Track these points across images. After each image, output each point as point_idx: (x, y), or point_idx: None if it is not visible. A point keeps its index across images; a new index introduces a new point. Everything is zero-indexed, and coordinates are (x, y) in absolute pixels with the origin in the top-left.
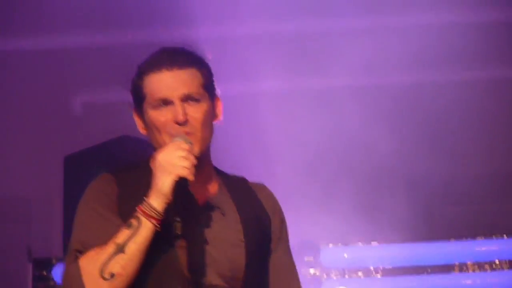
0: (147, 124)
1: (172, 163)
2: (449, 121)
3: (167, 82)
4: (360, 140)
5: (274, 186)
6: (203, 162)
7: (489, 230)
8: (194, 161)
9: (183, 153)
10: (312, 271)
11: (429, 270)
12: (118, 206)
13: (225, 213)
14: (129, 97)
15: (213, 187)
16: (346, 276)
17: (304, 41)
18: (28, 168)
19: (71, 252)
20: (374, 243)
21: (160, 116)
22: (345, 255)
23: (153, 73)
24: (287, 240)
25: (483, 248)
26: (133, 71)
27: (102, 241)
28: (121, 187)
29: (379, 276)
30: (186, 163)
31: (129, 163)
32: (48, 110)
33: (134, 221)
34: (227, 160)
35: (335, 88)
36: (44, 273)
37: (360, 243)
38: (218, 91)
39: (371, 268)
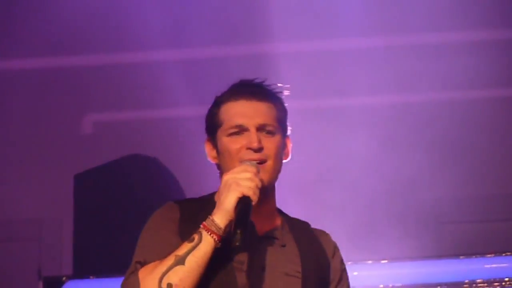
0: (220, 152)
1: (237, 181)
2: (461, 139)
3: (245, 111)
4: (369, 157)
5: (286, 201)
6: (268, 195)
7: (499, 248)
8: (259, 184)
9: (249, 175)
10: None
11: None
12: (179, 229)
13: (285, 245)
14: (138, 116)
15: (275, 222)
16: None
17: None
18: (38, 186)
19: (132, 264)
20: (384, 261)
21: (235, 143)
22: (355, 273)
23: (231, 102)
24: (348, 286)
25: (493, 266)
26: (143, 90)
27: (163, 257)
28: (183, 213)
29: None
30: (251, 184)
31: (195, 198)
32: (58, 128)
33: (196, 236)
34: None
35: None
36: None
37: (370, 261)
38: (289, 130)
39: (381, 286)
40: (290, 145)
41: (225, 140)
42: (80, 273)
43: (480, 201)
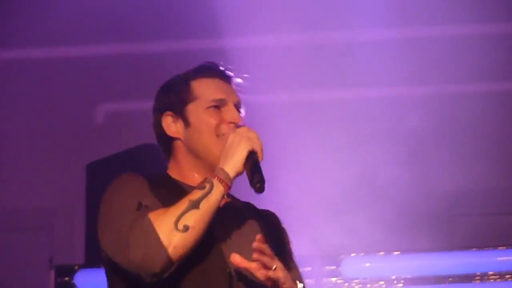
0: (193, 125)
1: (248, 137)
2: (471, 131)
3: (224, 87)
4: (379, 149)
5: (298, 195)
6: None
7: (511, 240)
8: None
9: (256, 135)
10: (333, 280)
11: (450, 280)
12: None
13: (243, 215)
14: (150, 106)
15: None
16: (368, 286)
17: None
18: (50, 176)
19: (127, 212)
20: (396, 253)
21: (215, 117)
22: (367, 264)
23: (206, 78)
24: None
25: (505, 258)
26: (156, 80)
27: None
28: (150, 183)
29: (400, 285)
30: (259, 142)
31: (147, 174)
32: (70, 118)
33: (206, 184)
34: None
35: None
36: (66, 279)
37: (382, 253)
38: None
39: (393, 277)
40: None
41: (203, 114)
42: (92, 262)
43: (492, 194)
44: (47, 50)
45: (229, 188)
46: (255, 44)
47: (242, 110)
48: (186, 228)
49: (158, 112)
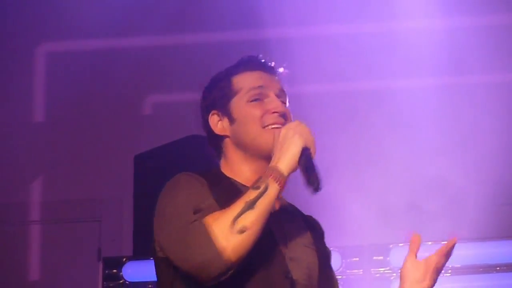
0: (238, 120)
1: (301, 132)
2: None
3: (264, 78)
4: (425, 138)
5: (347, 186)
6: None
7: None
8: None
9: (308, 129)
10: (381, 270)
11: (498, 269)
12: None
13: (294, 219)
14: (198, 97)
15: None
16: None
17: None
18: (99, 168)
19: (185, 215)
20: (443, 242)
21: (258, 108)
22: None
23: (246, 72)
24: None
25: None
26: (204, 71)
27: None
28: (208, 182)
29: (448, 275)
30: (312, 137)
31: (199, 171)
32: (118, 109)
33: (261, 184)
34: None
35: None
36: (115, 271)
37: (430, 242)
38: None
39: None
40: None
41: (246, 106)
42: (139, 254)
43: None
44: (96, 41)
45: (284, 187)
46: (314, 33)
47: (287, 101)
48: (243, 230)
49: (205, 111)
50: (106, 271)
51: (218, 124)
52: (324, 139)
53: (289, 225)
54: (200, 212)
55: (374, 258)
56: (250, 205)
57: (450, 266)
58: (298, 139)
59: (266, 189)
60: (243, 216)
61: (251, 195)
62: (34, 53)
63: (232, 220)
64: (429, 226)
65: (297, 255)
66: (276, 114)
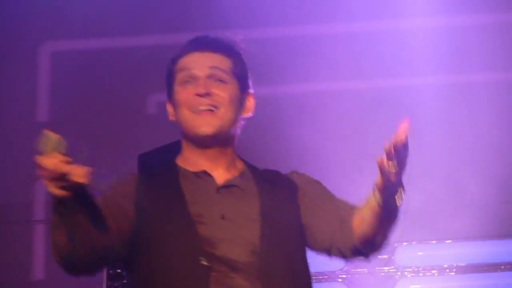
0: (174, 105)
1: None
2: None
3: (197, 60)
4: (435, 135)
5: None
6: (224, 144)
7: None
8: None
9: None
10: (386, 269)
11: (503, 267)
12: (135, 201)
13: (244, 190)
14: None
15: (235, 172)
16: (420, 274)
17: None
18: (102, 166)
19: None
20: (448, 241)
21: (184, 91)
22: (420, 253)
23: (184, 56)
24: (316, 187)
25: None
26: None
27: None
28: (141, 184)
29: (453, 274)
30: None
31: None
32: (123, 109)
33: None
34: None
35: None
36: (119, 271)
37: (434, 241)
38: (252, 89)
39: (445, 265)
40: (251, 101)
41: (176, 91)
42: None
43: None
44: (101, 40)
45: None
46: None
47: (227, 76)
48: None
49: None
50: (110, 271)
51: (169, 110)
52: (332, 137)
53: (229, 202)
54: None
55: (379, 257)
56: None
57: (455, 265)
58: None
59: None
60: None
61: None
62: (38, 52)
63: None
64: (433, 224)
65: (233, 233)
66: (197, 96)
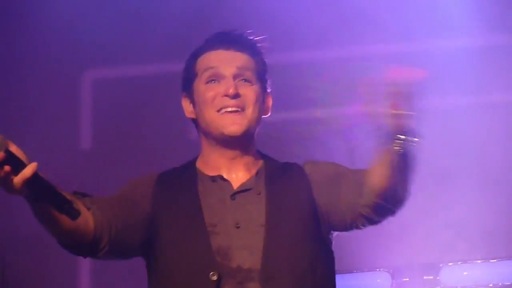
0: (196, 103)
1: None
2: None
3: (222, 58)
4: (477, 154)
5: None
6: (246, 145)
7: None
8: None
9: None
10: None
11: None
12: (151, 201)
13: (260, 193)
14: None
15: (254, 170)
16: None
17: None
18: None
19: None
20: (493, 261)
21: (211, 90)
22: (465, 273)
23: (208, 52)
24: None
25: None
26: None
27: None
28: (159, 185)
29: None
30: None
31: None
32: (166, 135)
33: None
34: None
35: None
36: None
37: (479, 261)
38: (269, 89)
39: (491, 285)
40: (270, 102)
41: (201, 89)
42: None
43: None
44: (142, 67)
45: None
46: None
47: (255, 77)
48: None
49: (181, 95)
50: None
51: (187, 107)
52: None
53: (243, 209)
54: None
55: (424, 277)
56: None
57: (500, 284)
58: None
59: None
60: None
61: None
62: (80, 80)
63: None
64: (477, 244)
65: (248, 241)
66: (226, 97)
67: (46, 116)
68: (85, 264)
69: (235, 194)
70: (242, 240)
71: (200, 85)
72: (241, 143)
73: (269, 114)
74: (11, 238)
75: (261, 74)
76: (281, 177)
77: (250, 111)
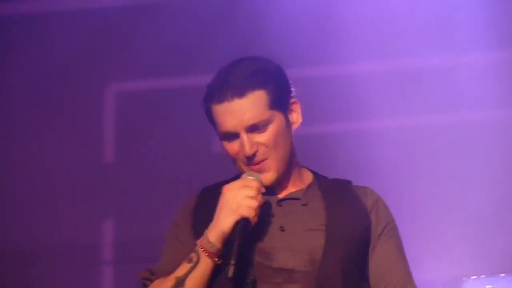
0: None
1: (238, 202)
2: None
3: (230, 115)
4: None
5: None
6: (286, 173)
7: None
8: (261, 201)
9: (251, 193)
10: None
11: None
12: (193, 223)
13: (307, 204)
14: None
15: (301, 185)
16: None
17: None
18: (170, 206)
19: (147, 271)
20: None
21: (231, 149)
22: (488, 287)
23: (215, 104)
24: (392, 237)
25: None
26: None
27: (171, 269)
28: (199, 202)
29: None
30: (253, 203)
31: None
32: (190, 148)
33: (194, 256)
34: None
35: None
36: None
37: (502, 274)
38: (294, 92)
39: None
40: (298, 110)
41: (223, 144)
42: None
43: None
44: (164, 80)
45: (218, 256)
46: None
47: (265, 122)
48: None
49: None
50: None
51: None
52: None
53: (289, 214)
54: (153, 274)
55: None
56: (180, 282)
57: None
58: (233, 211)
59: (196, 263)
60: None
61: (182, 270)
62: (103, 93)
63: None
64: (501, 256)
65: (291, 243)
66: (245, 160)
67: (70, 129)
68: (107, 271)
69: (281, 200)
70: (287, 242)
71: (221, 139)
72: (279, 177)
73: (300, 121)
74: (36, 251)
75: (276, 98)
76: (337, 193)
77: (273, 155)
